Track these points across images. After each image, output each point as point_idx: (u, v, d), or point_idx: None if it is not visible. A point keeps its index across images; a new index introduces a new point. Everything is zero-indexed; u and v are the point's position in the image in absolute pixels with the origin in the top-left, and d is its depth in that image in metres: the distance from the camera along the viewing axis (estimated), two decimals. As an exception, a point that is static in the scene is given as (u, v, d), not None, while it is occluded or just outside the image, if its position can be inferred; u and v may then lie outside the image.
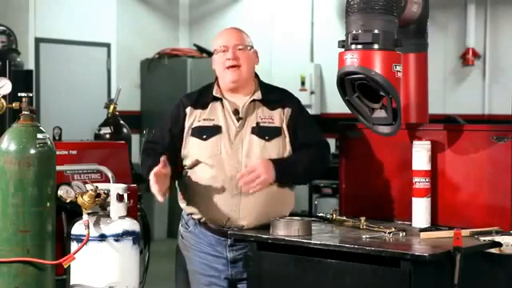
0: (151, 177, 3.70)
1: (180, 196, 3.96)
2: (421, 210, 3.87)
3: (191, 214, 3.92)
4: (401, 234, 3.60)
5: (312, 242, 3.52)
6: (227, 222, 3.82)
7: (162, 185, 3.70)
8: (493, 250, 3.49)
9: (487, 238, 3.51)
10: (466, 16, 9.34)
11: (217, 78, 3.98)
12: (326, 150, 3.97)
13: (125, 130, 7.06)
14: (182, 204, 3.95)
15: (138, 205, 4.49)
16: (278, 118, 3.90)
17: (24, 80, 7.17)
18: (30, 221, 3.49)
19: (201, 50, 10.96)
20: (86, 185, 3.70)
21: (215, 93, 3.93)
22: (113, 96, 7.76)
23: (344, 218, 3.93)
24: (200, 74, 10.04)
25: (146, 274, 4.77)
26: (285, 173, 3.81)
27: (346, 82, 3.69)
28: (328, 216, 3.96)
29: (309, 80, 10.23)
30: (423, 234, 3.58)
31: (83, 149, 4.26)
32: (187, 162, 3.88)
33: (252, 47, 3.96)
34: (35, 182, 3.50)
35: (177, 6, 11.57)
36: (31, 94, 3.68)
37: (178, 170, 3.89)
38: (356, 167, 4.25)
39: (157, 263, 6.40)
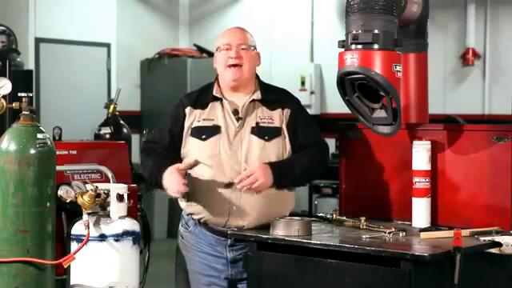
0: (171, 172, 3.71)
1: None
2: (421, 210, 3.87)
3: (191, 213, 3.92)
4: (401, 234, 3.60)
5: (312, 242, 3.52)
6: (227, 222, 3.83)
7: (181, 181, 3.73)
8: (493, 250, 3.49)
9: (487, 238, 3.51)
10: (466, 16, 9.34)
11: (217, 78, 3.98)
12: (324, 151, 3.97)
13: (125, 130, 7.06)
14: (182, 204, 3.95)
15: (138, 205, 4.50)
16: (277, 118, 3.90)
17: (24, 80, 7.17)
18: (30, 221, 3.49)
19: (201, 50, 10.96)
20: (86, 185, 3.70)
21: (215, 92, 3.93)
22: (113, 96, 7.76)
23: (344, 218, 3.93)
24: (200, 74, 10.04)
25: (145, 274, 4.78)
26: (283, 176, 3.81)
27: (346, 82, 3.69)
28: (328, 216, 3.96)
29: (309, 80, 10.23)
30: (423, 234, 3.58)
31: (83, 149, 4.26)
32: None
33: (255, 48, 3.96)
34: (35, 182, 3.49)
35: (177, 6, 11.57)
36: (31, 94, 3.68)
37: None
38: (356, 167, 4.25)
39: (157, 263, 6.40)
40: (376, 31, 3.58)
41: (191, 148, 3.88)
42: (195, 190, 3.83)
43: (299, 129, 3.91)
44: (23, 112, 3.59)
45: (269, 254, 3.63)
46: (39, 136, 3.54)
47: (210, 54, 10.23)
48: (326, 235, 3.68)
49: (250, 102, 3.90)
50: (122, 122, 7.11)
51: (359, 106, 3.75)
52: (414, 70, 4.16)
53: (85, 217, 3.58)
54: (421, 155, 3.88)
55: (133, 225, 3.70)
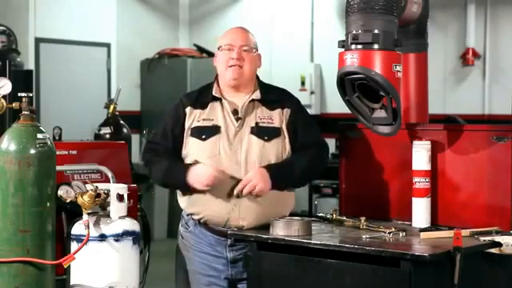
0: (203, 165, 3.74)
1: (180, 196, 3.96)
2: (421, 210, 3.87)
3: (191, 214, 3.92)
4: (401, 234, 3.60)
5: (312, 242, 3.51)
6: (227, 222, 3.82)
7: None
8: (493, 250, 3.49)
9: (487, 238, 3.51)
10: (466, 16, 9.34)
11: (216, 78, 3.98)
12: (324, 151, 3.97)
13: (125, 130, 7.06)
14: (182, 204, 3.95)
15: (138, 205, 4.49)
16: (277, 118, 3.90)
17: (24, 80, 7.17)
18: (30, 221, 3.49)
19: (201, 50, 10.96)
20: (86, 185, 3.70)
21: (214, 92, 3.92)
22: (113, 96, 7.76)
23: (344, 218, 3.93)
24: (200, 74, 10.03)
25: (145, 274, 4.77)
26: (281, 178, 3.82)
27: (346, 82, 3.69)
28: (328, 216, 3.96)
29: (309, 80, 10.23)
30: (423, 234, 3.58)
31: (83, 149, 4.26)
32: (187, 162, 3.88)
33: (257, 49, 3.96)
34: (35, 182, 3.49)
35: (177, 6, 11.57)
36: (31, 94, 3.68)
37: None
38: (356, 167, 4.25)
39: (157, 263, 6.40)
40: (376, 31, 3.58)
41: (191, 148, 3.88)
42: (195, 190, 3.83)
43: (299, 129, 3.91)
44: (23, 112, 3.59)
45: (269, 254, 3.63)
46: (39, 136, 3.53)
47: (210, 54, 10.23)
48: (326, 235, 3.68)
49: (250, 101, 3.90)
50: (122, 121, 7.11)
51: (359, 106, 3.75)
52: (414, 70, 4.16)
53: (85, 217, 3.58)
54: (421, 155, 3.88)
55: (133, 225, 3.70)
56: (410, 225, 3.87)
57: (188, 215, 3.95)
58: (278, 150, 3.85)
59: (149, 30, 11.12)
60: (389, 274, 3.30)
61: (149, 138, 4.08)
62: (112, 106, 6.99)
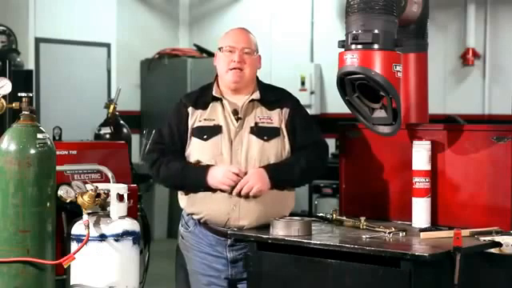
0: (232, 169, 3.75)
1: (180, 196, 3.96)
2: (421, 210, 3.87)
3: (191, 214, 3.92)
4: (401, 234, 3.60)
5: (312, 242, 3.51)
6: (227, 222, 3.82)
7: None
8: (493, 250, 3.49)
9: (487, 238, 3.51)
10: (466, 16, 9.35)
11: (216, 78, 3.98)
12: (324, 151, 3.97)
13: (125, 130, 7.05)
14: (182, 204, 3.95)
15: (138, 205, 4.49)
16: (276, 118, 3.90)
17: (24, 80, 7.17)
18: (30, 221, 3.49)
19: (201, 50, 10.96)
20: (86, 185, 3.70)
21: (214, 93, 3.92)
22: (113, 96, 7.75)
23: (344, 218, 3.93)
24: (200, 74, 10.04)
25: (145, 274, 4.76)
26: (281, 178, 3.82)
27: (346, 82, 3.69)
28: (328, 216, 3.96)
29: (309, 80, 10.23)
30: (423, 234, 3.58)
31: (83, 149, 4.25)
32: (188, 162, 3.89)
33: (257, 51, 3.96)
34: (35, 182, 3.49)
35: (177, 6, 11.57)
36: (31, 94, 3.68)
37: None
38: (356, 167, 4.25)
39: (157, 263, 6.39)
40: (376, 31, 3.58)
41: (193, 148, 3.88)
42: (208, 189, 3.83)
43: (298, 129, 3.91)
44: (23, 112, 3.59)
45: (269, 254, 3.63)
46: (39, 136, 3.53)
47: (210, 54, 10.23)
48: (326, 235, 3.68)
49: (249, 101, 3.90)
50: (122, 122, 7.10)
51: (359, 106, 3.75)
52: (414, 70, 4.16)
53: (85, 217, 3.58)
54: (421, 155, 3.88)
55: (133, 225, 3.70)
56: (410, 225, 3.87)
57: (188, 215, 3.95)
58: (277, 149, 3.86)
59: (149, 30, 11.12)
60: (389, 274, 3.30)
61: (153, 139, 4.06)
62: (112, 106, 6.98)
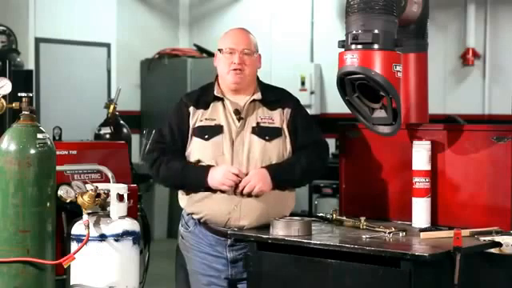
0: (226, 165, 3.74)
1: (180, 196, 3.96)
2: (421, 210, 3.87)
3: (191, 213, 3.92)
4: (401, 234, 3.60)
5: (312, 242, 3.51)
6: (227, 222, 3.82)
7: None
8: (493, 250, 3.49)
9: (487, 238, 3.51)
10: (466, 16, 9.35)
11: (217, 78, 3.98)
12: (324, 150, 3.97)
13: (125, 130, 7.05)
14: (182, 203, 3.95)
15: (138, 205, 4.49)
16: (278, 118, 3.90)
17: (24, 80, 7.16)
18: (30, 221, 3.49)
19: (201, 50, 10.96)
20: (86, 185, 3.70)
21: (216, 92, 3.93)
22: (113, 96, 7.75)
23: (344, 218, 3.93)
24: (200, 74, 10.04)
25: (145, 274, 4.77)
26: (282, 178, 3.82)
27: (346, 82, 3.69)
28: (328, 216, 3.96)
29: (309, 80, 10.23)
30: (423, 234, 3.58)
31: (83, 149, 4.25)
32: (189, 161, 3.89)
33: (257, 51, 3.96)
34: (35, 182, 3.49)
35: (177, 6, 11.57)
36: (31, 94, 3.68)
37: None
38: (356, 167, 4.25)
39: (157, 263, 6.39)
40: (376, 31, 3.58)
41: (194, 148, 3.88)
42: (208, 189, 3.83)
43: (299, 129, 3.91)
44: (23, 112, 3.59)
45: (269, 253, 3.63)
46: (39, 136, 3.53)
47: (210, 54, 10.23)
48: (326, 235, 3.68)
49: (251, 102, 3.90)
50: (122, 122, 7.10)
51: (359, 106, 3.75)
52: (414, 70, 4.16)
53: (85, 217, 3.58)
54: (421, 155, 3.88)
55: (133, 225, 3.70)
56: (410, 225, 3.87)
57: (188, 215, 3.95)
58: (279, 149, 3.86)
59: (149, 30, 11.12)
60: (389, 274, 3.30)
61: (153, 138, 4.06)
62: (112, 106, 6.98)
